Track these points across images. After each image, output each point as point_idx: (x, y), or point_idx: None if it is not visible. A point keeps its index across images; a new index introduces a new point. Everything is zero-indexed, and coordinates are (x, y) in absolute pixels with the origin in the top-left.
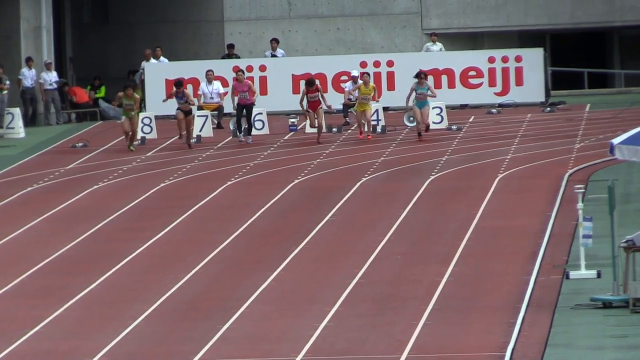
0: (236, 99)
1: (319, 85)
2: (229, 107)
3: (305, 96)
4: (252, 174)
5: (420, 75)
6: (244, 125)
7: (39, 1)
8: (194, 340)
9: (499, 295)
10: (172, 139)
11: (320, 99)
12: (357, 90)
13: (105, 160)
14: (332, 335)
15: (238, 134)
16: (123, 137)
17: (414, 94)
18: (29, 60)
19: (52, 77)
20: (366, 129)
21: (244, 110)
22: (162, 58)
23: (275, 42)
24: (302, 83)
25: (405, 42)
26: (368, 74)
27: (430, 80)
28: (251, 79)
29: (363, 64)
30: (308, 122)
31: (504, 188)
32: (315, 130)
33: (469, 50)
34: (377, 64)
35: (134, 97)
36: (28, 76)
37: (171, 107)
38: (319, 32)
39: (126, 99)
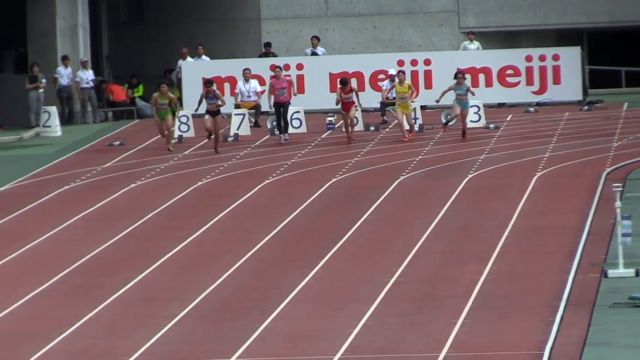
0: (272, 98)
1: (353, 86)
2: (266, 105)
3: (340, 97)
4: (289, 173)
5: (458, 75)
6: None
7: None
8: (231, 339)
9: (537, 294)
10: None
11: (355, 99)
12: (393, 91)
13: (142, 159)
14: (370, 333)
15: (278, 133)
16: (159, 135)
17: (451, 93)
18: (65, 59)
19: (88, 75)
20: (408, 128)
21: (281, 110)
22: (203, 57)
23: (316, 39)
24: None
25: (443, 41)
26: (403, 72)
27: (467, 79)
28: (288, 77)
29: (400, 63)
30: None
31: (542, 186)
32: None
33: (507, 49)
34: (414, 62)
35: (169, 95)
36: (64, 74)
37: (206, 105)
38: (356, 30)
39: (160, 98)
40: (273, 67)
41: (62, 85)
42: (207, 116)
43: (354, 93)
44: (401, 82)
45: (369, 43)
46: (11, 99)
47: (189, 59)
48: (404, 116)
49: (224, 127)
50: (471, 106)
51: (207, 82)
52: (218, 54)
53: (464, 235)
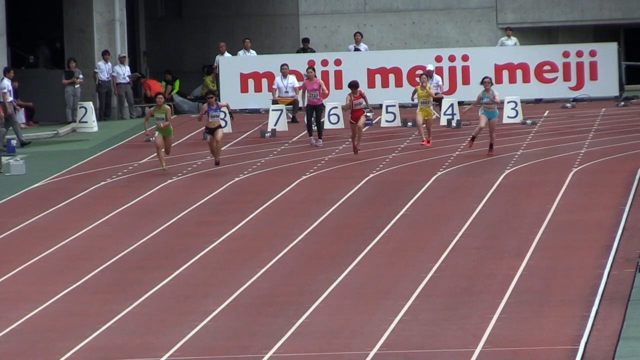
0: (306, 97)
1: (362, 92)
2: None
3: (350, 102)
4: (326, 169)
5: (484, 80)
6: (314, 128)
7: None
8: (268, 335)
9: (572, 289)
10: (247, 133)
11: (364, 106)
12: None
13: (180, 155)
14: (406, 329)
15: (309, 136)
16: (197, 131)
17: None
18: (105, 54)
19: (125, 70)
20: (427, 135)
21: (314, 112)
22: (251, 51)
23: (359, 35)
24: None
25: (480, 37)
26: (426, 76)
27: (504, 75)
28: (326, 73)
29: (438, 58)
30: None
31: (578, 182)
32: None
33: (544, 45)
34: (452, 58)
35: (165, 108)
36: (104, 70)
37: (244, 101)
38: (394, 26)
39: (156, 112)
40: (312, 63)
41: (102, 80)
42: (208, 137)
43: (363, 99)
44: (423, 85)
45: (407, 39)
46: (47, 95)
47: (226, 54)
48: (425, 122)
49: (225, 142)
50: (509, 102)
51: (209, 93)
52: (256, 50)
53: (500, 231)
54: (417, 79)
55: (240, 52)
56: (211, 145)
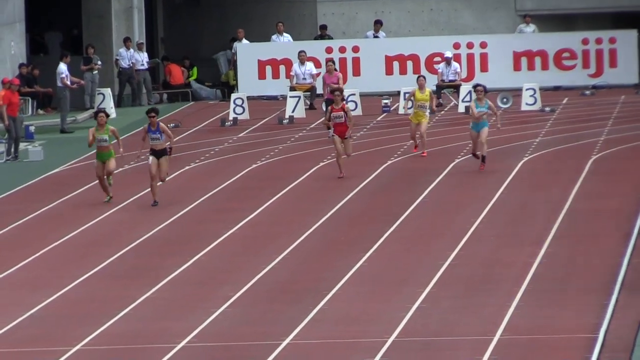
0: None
1: (346, 105)
2: (321, 88)
3: (329, 114)
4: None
5: (477, 89)
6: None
7: None
8: (285, 321)
9: (591, 277)
10: (264, 120)
11: (347, 121)
12: (447, 74)
13: (197, 141)
14: (424, 316)
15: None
16: (214, 118)
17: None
18: (126, 41)
19: (143, 57)
20: (420, 144)
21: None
22: (285, 34)
23: (378, 24)
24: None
25: (499, 24)
26: (424, 78)
27: (523, 62)
28: (344, 60)
29: (456, 45)
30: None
31: (597, 170)
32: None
33: (563, 32)
34: (470, 45)
35: (108, 128)
36: (125, 56)
37: (261, 88)
38: (412, 13)
39: (98, 132)
40: (328, 60)
41: (123, 67)
42: (150, 158)
43: (344, 113)
44: (421, 87)
45: (425, 26)
46: None
47: (244, 40)
48: (418, 127)
49: (169, 172)
50: (527, 89)
51: (151, 110)
52: (273, 36)
53: (519, 219)
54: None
55: (274, 36)
56: (152, 172)
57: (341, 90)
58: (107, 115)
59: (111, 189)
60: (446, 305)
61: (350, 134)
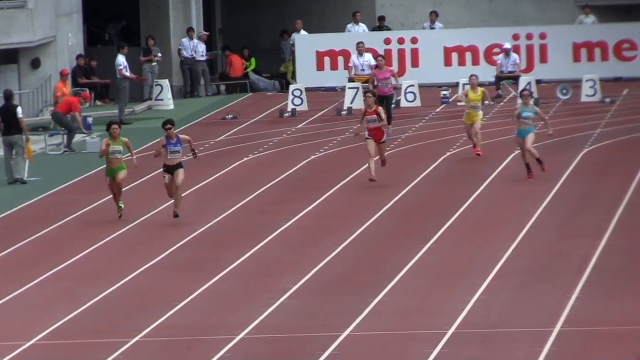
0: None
1: (380, 109)
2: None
3: (363, 117)
4: (403, 147)
5: (523, 93)
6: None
7: None
8: (345, 313)
9: None
10: (323, 111)
11: (380, 124)
12: (507, 65)
13: (256, 132)
14: (484, 308)
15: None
16: (273, 108)
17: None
18: (189, 31)
19: (202, 48)
20: (477, 142)
21: (384, 102)
22: (360, 24)
23: (434, 14)
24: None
25: (558, 15)
26: (476, 76)
27: (583, 53)
28: (403, 51)
29: (516, 37)
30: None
31: None
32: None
33: (623, 23)
34: (529, 36)
35: (122, 140)
36: (188, 47)
37: (320, 79)
38: (471, 4)
39: (113, 143)
40: (377, 55)
41: (185, 57)
42: (167, 176)
43: (378, 116)
44: (474, 87)
45: (484, 17)
46: None
47: (302, 31)
48: (472, 127)
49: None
50: (587, 80)
51: (167, 122)
52: (332, 27)
53: (579, 210)
54: (468, 81)
55: (349, 25)
56: (169, 188)
57: (374, 93)
58: (120, 127)
59: (122, 198)
60: (506, 297)
61: (386, 131)
